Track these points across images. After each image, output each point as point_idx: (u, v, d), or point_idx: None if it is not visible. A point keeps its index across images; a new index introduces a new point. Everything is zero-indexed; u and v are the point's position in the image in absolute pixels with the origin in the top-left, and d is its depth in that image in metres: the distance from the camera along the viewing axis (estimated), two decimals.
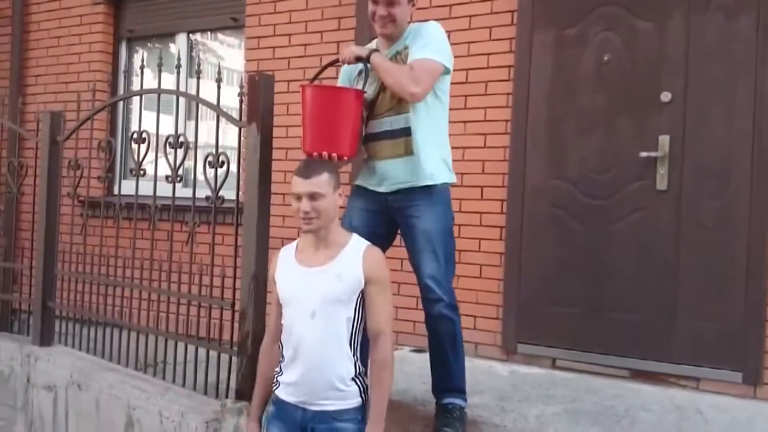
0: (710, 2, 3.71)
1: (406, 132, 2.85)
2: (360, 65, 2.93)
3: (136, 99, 4.24)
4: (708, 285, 3.70)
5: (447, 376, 2.89)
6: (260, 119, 3.12)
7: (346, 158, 2.79)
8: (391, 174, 2.88)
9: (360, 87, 2.91)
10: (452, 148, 4.25)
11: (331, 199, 2.42)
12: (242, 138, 3.35)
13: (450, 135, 4.28)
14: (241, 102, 3.31)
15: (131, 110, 5.98)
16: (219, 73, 3.46)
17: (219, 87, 3.45)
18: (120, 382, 3.79)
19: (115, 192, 5.28)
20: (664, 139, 3.80)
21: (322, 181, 2.40)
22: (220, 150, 3.40)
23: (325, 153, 2.67)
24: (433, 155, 2.88)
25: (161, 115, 3.83)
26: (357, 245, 2.47)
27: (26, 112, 6.08)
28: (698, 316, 3.72)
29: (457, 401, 2.89)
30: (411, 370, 3.82)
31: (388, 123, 2.88)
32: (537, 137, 4.16)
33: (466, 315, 4.27)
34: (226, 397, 3.30)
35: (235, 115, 3.42)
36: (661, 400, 3.46)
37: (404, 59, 2.86)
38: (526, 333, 4.15)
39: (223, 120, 3.47)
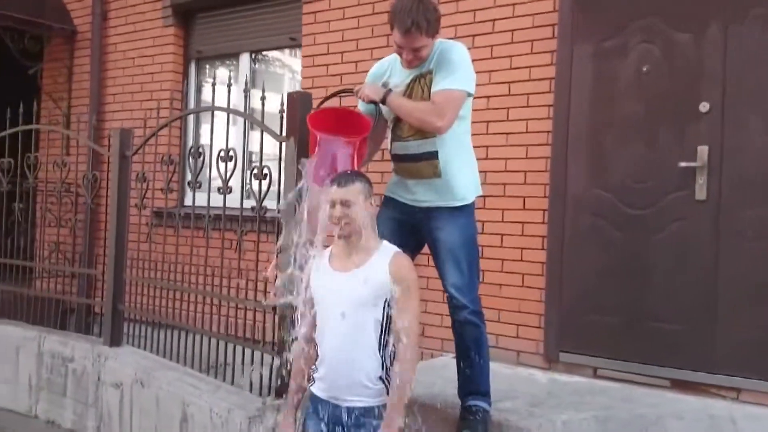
0: (747, 13, 3.71)
1: (433, 155, 2.96)
2: (385, 77, 3.06)
3: (206, 115, 4.53)
4: (748, 295, 3.68)
5: (472, 379, 3.00)
6: (297, 134, 3.32)
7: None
8: (420, 194, 3.02)
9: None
10: (494, 159, 4.42)
11: (362, 207, 2.57)
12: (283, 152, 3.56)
13: (492, 147, 4.44)
14: (281, 118, 3.53)
15: (201, 125, 6.33)
16: (263, 91, 3.68)
17: (263, 104, 3.68)
18: (177, 380, 4.06)
19: (185, 203, 5.65)
20: (703, 149, 3.80)
21: (354, 190, 2.56)
22: (264, 163, 3.62)
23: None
24: (462, 177, 3.01)
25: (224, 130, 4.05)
26: (386, 251, 2.61)
27: (104, 129, 6.55)
28: (739, 326, 3.70)
29: (481, 404, 3.00)
30: (449, 376, 3.90)
31: (414, 147, 2.99)
32: (577, 148, 4.22)
33: (509, 323, 4.40)
34: (268, 394, 3.51)
35: None
36: (696, 410, 3.46)
37: (428, 84, 2.94)
38: (568, 342, 4.20)
39: None
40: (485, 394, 3.03)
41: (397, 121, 3.03)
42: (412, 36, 2.84)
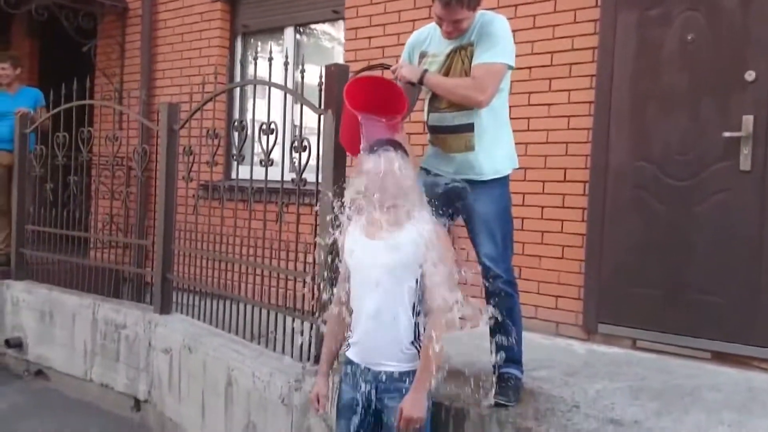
0: None
1: (469, 128, 2.97)
2: (425, 45, 3.07)
3: (260, 89, 4.59)
4: None
5: (505, 348, 3.04)
6: (335, 107, 3.36)
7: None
8: (455, 166, 3.03)
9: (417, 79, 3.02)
10: (536, 130, 4.41)
11: (397, 176, 2.57)
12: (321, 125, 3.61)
13: (533, 118, 4.43)
14: (320, 91, 3.58)
15: (247, 99, 6.43)
16: (302, 64, 3.74)
17: (302, 77, 3.74)
18: (222, 346, 4.19)
19: (232, 176, 5.77)
20: (748, 119, 3.72)
21: (391, 159, 2.56)
22: (304, 135, 3.69)
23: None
24: (497, 151, 3.01)
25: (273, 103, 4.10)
26: (420, 221, 2.63)
27: (154, 104, 6.71)
28: None
29: (513, 371, 3.04)
30: (486, 345, 3.97)
31: (450, 118, 3.00)
32: (620, 119, 4.17)
33: (548, 295, 4.41)
34: (308, 360, 3.61)
35: None
36: (735, 382, 3.43)
37: (468, 56, 2.94)
38: (607, 313, 4.19)
39: None
40: (518, 362, 3.07)
41: (434, 94, 3.04)
42: (452, 9, 2.85)
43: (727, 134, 3.77)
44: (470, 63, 2.93)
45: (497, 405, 2.88)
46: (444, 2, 2.84)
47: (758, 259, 3.70)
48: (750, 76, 3.72)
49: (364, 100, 2.89)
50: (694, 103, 3.91)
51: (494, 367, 3.10)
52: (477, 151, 2.97)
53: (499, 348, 3.08)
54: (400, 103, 2.94)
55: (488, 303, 3.05)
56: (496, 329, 3.07)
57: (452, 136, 3.02)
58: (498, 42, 2.90)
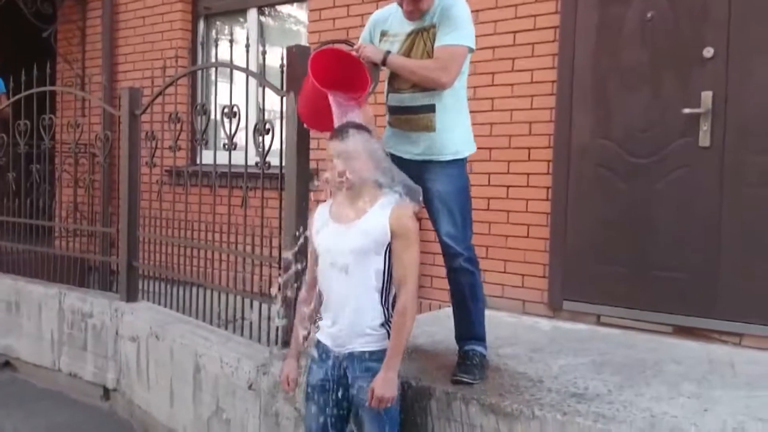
0: None
1: (430, 108, 2.98)
2: (386, 25, 3.08)
3: (216, 72, 4.55)
4: (752, 241, 3.68)
5: (468, 325, 3.07)
6: (298, 88, 3.33)
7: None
8: (414, 146, 3.05)
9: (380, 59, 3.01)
10: (500, 111, 4.43)
11: (363, 159, 2.59)
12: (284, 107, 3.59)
13: (497, 98, 4.44)
14: (282, 73, 3.55)
15: (211, 83, 6.35)
16: (263, 45, 3.70)
17: (264, 59, 3.71)
18: (190, 332, 4.17)
19: (198, 161, 5.71)
20: (707, 95, 3.77)
21: (354, 143, 2.58)
22: (269, 118, 3.66)
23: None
24: (457, 132, 3.03)
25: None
26: (387, 202, 2.64)
27: (117, 89, 6.61)
28: (741, 272, 3.71)
29: (478, 348, 3.07)
30: (452, 324, 4.00)
31: (410, 99, 3.01)
32: (582, 97, 4.20)
33: (514, 273, 4.45)
34: (276, 344, 3.61)
35: None
36: (697, 355, 3.50)
37: (431, 38, 2.95)
38: (572, 290, 4.24)
39: None
40: (481, 339, 3.10)
41: (394, 74, 3.04)
42: None
43: (686, 111, 3.81)
44: (432, 45, 2.94)
45: (462, 383, 2.90)
46: None
47: (717, 233, 3.77)
48: (708, 52, 3.76)
49: (326, 74, 2.86)
50: (654, 80, 3.95)
51: (458, 344, 3.13)
52: (438, 132, 2.98)
53: (462, 325, 3.11)
54: (362, 79, 2.93)
55: (450, 281, 3.08)
56: (458, 307, 3.09)
57: (414, 116, 3.02)
58: (460, 25, 2.92)
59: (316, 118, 2.96)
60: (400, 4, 2.98)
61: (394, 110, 3.09)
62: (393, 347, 2.58)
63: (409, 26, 3.02)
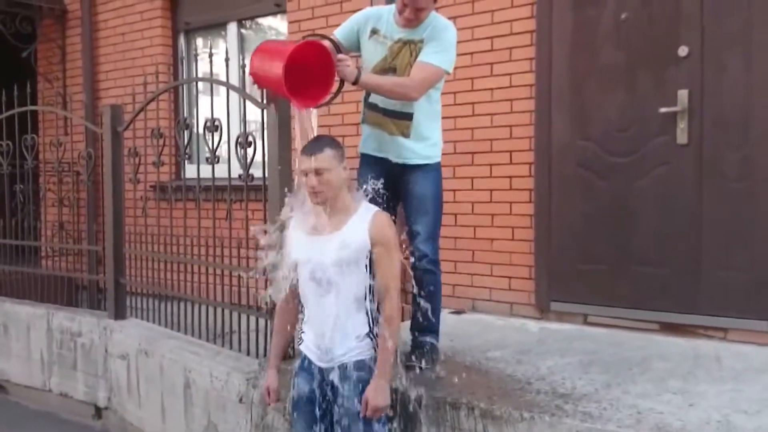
0: None
1: (409, 117, 3.12)
2: (379, 23, 3.16)
3: (198, 86, 4.56)
4: (733, 235, 3.72)
5: (426, 318, 3.18)
6: (278, 100, 3.36)
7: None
8: (395, 148, 3.17)
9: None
10: (480, 115, 4.50)
11: (336, 172, 2.59)
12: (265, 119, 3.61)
13: (478, 103, 4.49)
14: None
15: (194, 97, 6.36)
16: (243, 59, 3.72)
17: (244, 72, 3.72)
18: (179, 348, 4.17)
19: (182, 176, 5.71)
20: (683, 94, 3.81)
21: (326, 157, 2.57)
22: (252, 131, 3.68)
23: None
24: (432, 139, 3.20)
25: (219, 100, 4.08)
26: (364, 212, 2.66)
27: (99, 106, 6.59)
28: (724, 266, 3.74)
29: (430, 339, 3.25)
30: (444, 330, 3.89)
31: (393, 103, 3.11)
32: (560, 100, 4.24)
33: (501, 276, 4.47)
34: (264, 356, 3.62)
35: None
36: (683, 351, 3.53)
37: (417, 52, 3.08)
38: (559, 291, 4.27)
39: None
40: (435, 332, 3.29)
41: (382, 72, 3.12)
42: None
43: (663, 110, 3.85)
44: (415, 58, 3.07)
45: (414, 368, 3.06)
46: None
47: (698, 229, 3.80)
48: (683, 51, 3.81)
49: (300, 59, 2.82)
50: (630, 80, 4.00)
51: (412, 333, 3.26)
52: (412, 138, 3.12)
53: (420, 318, 3.21)
54: (327, 84, 2.95)
55: (414, 278, 3.16)
56: (417, 302, 3.18)
57: (394, 120, 3.15)
58: (446, 48, 3.08)
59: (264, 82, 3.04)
60: (402, 10, 3.06)
61: (374, 107, 3.18)
62: (383, 356, 2.59)
63: (399, 33, 3.13)
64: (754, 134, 3.65)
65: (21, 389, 5.55)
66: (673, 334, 3.83)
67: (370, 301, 2.66)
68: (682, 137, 3.82)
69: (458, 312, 4.55)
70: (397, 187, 3.18)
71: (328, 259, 2.61)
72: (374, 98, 3.18)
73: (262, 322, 3.72)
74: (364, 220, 2.63)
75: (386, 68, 3.13)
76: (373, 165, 3.21)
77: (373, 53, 3.17)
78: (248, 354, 3.81)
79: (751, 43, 3.64)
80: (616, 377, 3.08)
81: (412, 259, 3.15)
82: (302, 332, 2.78)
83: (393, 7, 3.16)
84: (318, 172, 2.57)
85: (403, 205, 3.23)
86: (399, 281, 2.67)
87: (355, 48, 3.24)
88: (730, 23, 3.70)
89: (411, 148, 3.14)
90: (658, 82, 3.89)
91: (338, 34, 3.25)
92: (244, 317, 3.88)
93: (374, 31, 3.17)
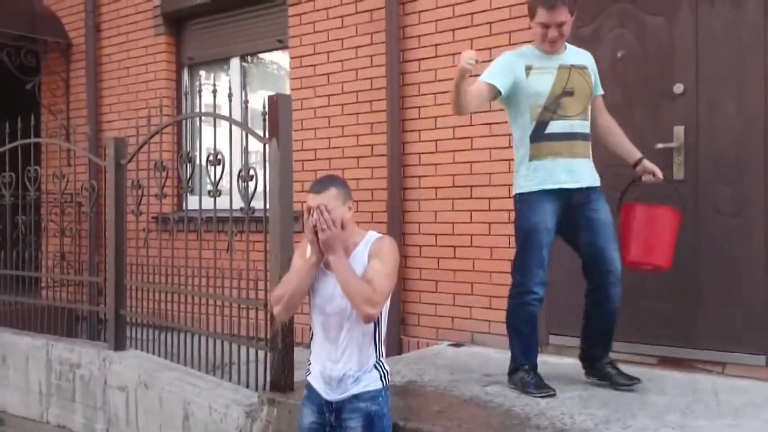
0: None
1: (588, 137, 3.31)
2: (528, 61, 3.29)
3: (199, 119, 4.63)
4: (729, 270, 3.75)
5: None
6: (279, 135, 3.42)
7: (664, 268, 3.35)
8: (583, 171, 3.29)
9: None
10: (479, 149, 4.52)
11: (340, 211, 2.63)
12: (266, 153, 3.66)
13: (476, 137, 4.54)
14: (264, 121, 3.63)
15: (197, 130, 6.42)
16: (245, 94, 3.79)
17: (246, 108, 3.79)
18: (178, 380, 4.18)
19: (184, 208, 5.76)
20: (679, 130, 3.87)
21: (331, 196, 2.63)
22: (253, 164, 3.73)
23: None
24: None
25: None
26: (368, 240, 2.70)
27: (102, 138, 6.66)
28: (721, 301, 3.78)
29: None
30: (443, 363, 4.04)
31: (580, 126, 3.27)
32: None
33: (500, 309, 4.43)
34: (264, 389, 3.62)
35: None
36: (682, 385, 3.54)
37: (587, 79, 3.32)
38: (558, 324, 4.29)
39: None
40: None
41: (558, 98, 3.23)
42: (558, 10, 3.14)
43: (660, 145, 3.91)
44: (590, 86, 3.31)
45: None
46: (549, 5, 3.11)
47: (697, 264, 3.83)
48: (678, 88, 3.88)
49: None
50: (627, 117, 4.04)
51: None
52: (591, 158, 3.31)
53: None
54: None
55: (607, 308, 3.46)
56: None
57: (580, 143, 3.28)
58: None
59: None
60: (544, 35, 3.20)
61: (557, 137, 3.24)
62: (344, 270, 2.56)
63: (553, 61, 3.28)
64: (748, 170, 3.71)
65: (18, 420, 5.52)
66: (671, 369, 3.84)
67: (380, 333, 2.70)
68: (678, 172, 3.87)
69: (457, 344, 4.56)
70: (574, 216, 3.28)
71: (338, 294, 2.63)
72: (557, 127, 3.25)
73: (261, 354, 3.73)
74: (366, 246, 2.68)
75: (559, 94, 3.25)
76: (552, 201, 3.28)
77: (540, 85, 3.25)
78: (247, 386, 3.82)
79: (744, 80, 3.71)
80: (615, 412, 3.08)
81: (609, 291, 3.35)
82: (309, 363, 2.81)
83: (525, 46, 3.36)
84: (325, 208, 2.59)
85: (583, 235, 3.32)
86: (388, 286, 2.59)
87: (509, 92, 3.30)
88: (723, 61, 3.77)
89: (592, 168, 3.33)
90: (655, 119, 3.96)
91: (498, 84, 3.26)
92: (243, 349, 3.89)
93: (529, 68, 3.28)
